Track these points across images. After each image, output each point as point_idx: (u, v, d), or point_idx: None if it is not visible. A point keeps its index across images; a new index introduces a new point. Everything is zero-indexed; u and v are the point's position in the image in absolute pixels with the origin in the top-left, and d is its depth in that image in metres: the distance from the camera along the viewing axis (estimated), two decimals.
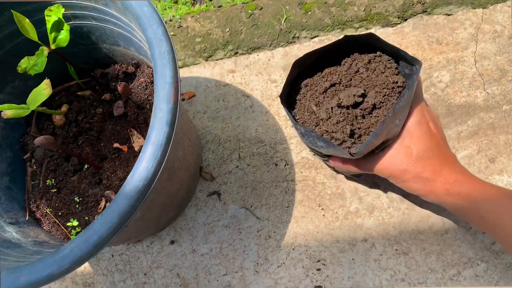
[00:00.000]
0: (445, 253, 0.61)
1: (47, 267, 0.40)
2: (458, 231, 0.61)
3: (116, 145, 0.64)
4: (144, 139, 0.63)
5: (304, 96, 0.57)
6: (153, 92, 0.64)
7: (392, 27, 0.71)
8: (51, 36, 0.56)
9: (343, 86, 0.54)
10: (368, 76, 0.53)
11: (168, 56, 0.44)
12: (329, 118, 0.53)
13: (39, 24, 0.56)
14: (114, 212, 0.40)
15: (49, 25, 0.55)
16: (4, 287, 0.39)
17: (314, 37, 0.74)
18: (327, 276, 0.63)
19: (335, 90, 0.55)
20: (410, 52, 0.69)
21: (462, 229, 0.61)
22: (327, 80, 0.55)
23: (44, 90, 0.54)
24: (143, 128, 0.64)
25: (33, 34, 0.54)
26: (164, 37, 0.44)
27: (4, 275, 0.40)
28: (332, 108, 0.53)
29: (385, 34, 0.71)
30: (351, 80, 0.54)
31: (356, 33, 0.72)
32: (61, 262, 0.40)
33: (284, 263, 0.65)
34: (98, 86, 0.68)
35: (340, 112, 0.52)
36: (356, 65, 0.54)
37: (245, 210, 0.68)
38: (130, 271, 0.69)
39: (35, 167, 0.67)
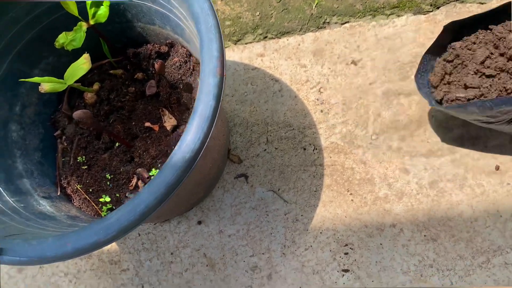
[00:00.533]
0: (475, 241, 0.61)
1: (93, 234, 0.40)
2: (488, 219, 0.61)
3: (147, 124, 0.64)
4: (176, 119, 0.63)
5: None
6: (186, 72, 0.64)
7: (424, 14, 0.71)
8: (90, 11, 0.56)
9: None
10: None
11: (214, 31, 0.44)
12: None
13: None
14: (162, 183, 0.40)
15: (89, 1, 0.56)
16: (52, 253, 0.40)
17: (345, 22, 0.74)
18: (355, 260, 0.64)
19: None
20: None
21: (492, 217, 0.61)
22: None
23: (83, 64, 0.54)
24: (175, 108, 0.64)
25: (74, 8, 0.55)
26: (210, 11, 0.45)
27: (51, 241, 0.41)
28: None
29: (417, 21, 0.71)
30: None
31: (387, 20, 0.72)
32: (108, 230, 0.40)
33: (311, 246, 0.65)
34: (130, 66, 0.68)
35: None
36: None
37: (272, 193, 0.68)
38: (156, 250, 0.70)
39: (65, 144, 0.68)
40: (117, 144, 0.65)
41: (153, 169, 0.61)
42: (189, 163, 0.40)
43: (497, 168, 0.62)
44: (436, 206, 0.63)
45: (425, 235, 0.62)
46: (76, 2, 0.55)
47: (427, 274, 0.61)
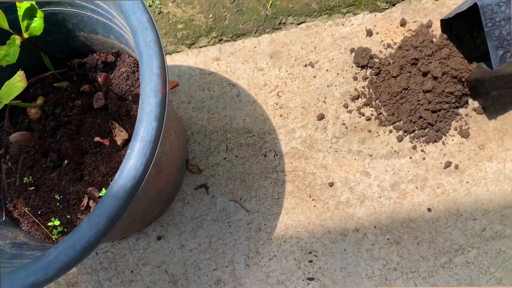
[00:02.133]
0: (437, 241, 0.61)
1: (30, 275, 0.37)
2: (449, 218, 0.61)
3: (97, 139, 0.61)
4: (127, 132, 0.60)
5: None
6: (135, 83, 0.61)
7: (380, 12, 0.70)
8: (23, 24, 0.52)
9: None
10: None
11: (154, 45, 0.41)
12: None
13: (10, 10, 0.52)
14: (102, 214, 0.37)
15: (20, 12, 0.51)
16: None
17: (301, 23, 0.72)
18: (319, 267, 0.63)
19: None
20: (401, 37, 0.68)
21: (453, 216, 0.61)
22: None
23: (18, 82, 0.50)
24: (125, 120, 0.61)
25: (3, 22, 0.50)
26: (149, 24, 0.41)
27: None
28: None
29: (374, 19, 0.70)
30: None
31: (344, 19, 0.70)
32: (46, 269, 0.37)
33: (275, 255, 0.64)
34: (76, 77, 0.64)
35: None
36: None
37: (234, 203, 0.66)
38: (116, 269, 0.67)
39: (10, 164, 0.63)
40: (65, 162, 0.61)
41: (103, 189, 0.57)
42: (131, 192, 0.38)
43: (456, 167, 0.62)
44: (399, 208, 0.63)
45: (388, 238, 0.62)
46: (6, 14, 0.50)
47: (392, 278, 0.61)
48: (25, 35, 0.52)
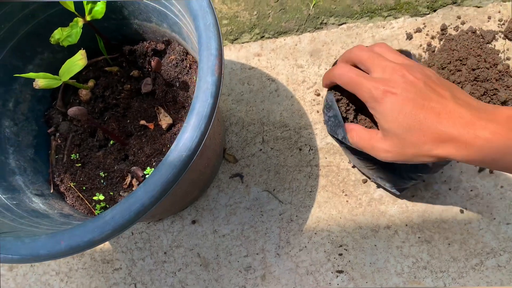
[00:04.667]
0: (468, 243, 0.61)
1: (88, 233, 0.40)
2: (481, 221, 0.62)
3: (142, 122, 0.64)
4: (171, 117, 0.63)
5: None
6: (183, 70, 0.64)
7: (421, 16, 0.71)
8: (87, 7, 0.55)
9: None
10: None
11: (213, 29, 0.43)
12: None
13: None
14: (157, 181, 0.40)
15: None
16: (45, 251, 0.39)
17: (342, 23, 0.74)
18: (349, 261, 0.64)
19: None
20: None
21: (485, 220, 0.61)
22: None
23: (79, 60, 0.54)
24: (170, 106, 0.64)
25: (70, 4, 0.54)
26: (209, 9, 0.44)
27: (44, 239, 0.40)
28: None
29: (414, 23, 0.71)
30: None
31: (385, 22, 0.72)
32: (103, 228, 0.40)
33: (306, 246, 0.65)
34: (126, 63, 0.67)
35: None
36: None
37: (267, 193, 0.68)
38: (150, 249, 0.69)
39: (59, 141, 0.67)
40: (111, 142, 0.64)
41: (148, 168, 0.60)
42: (185, 162, 0.40)
43: (491, 171, 0.63)
44: (431, 208, 0.63)
45: (419, 237, 0.63)
46: None
47: (421, 276, 0.61)
48: (88, 18, 0.56)
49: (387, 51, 0.49)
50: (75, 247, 0.39)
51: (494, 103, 0.63)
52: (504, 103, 0.63)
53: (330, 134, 0.56)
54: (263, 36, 0.76)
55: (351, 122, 0.57)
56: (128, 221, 0.40)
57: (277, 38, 0.76)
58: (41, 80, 0.54)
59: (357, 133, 0.50)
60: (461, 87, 0.64)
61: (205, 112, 0.41)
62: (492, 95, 0.63)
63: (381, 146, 0.46)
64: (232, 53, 0.77)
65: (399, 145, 0.44)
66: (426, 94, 0.43)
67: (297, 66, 0.73)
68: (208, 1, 0.45)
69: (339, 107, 0.55)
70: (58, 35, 0.56)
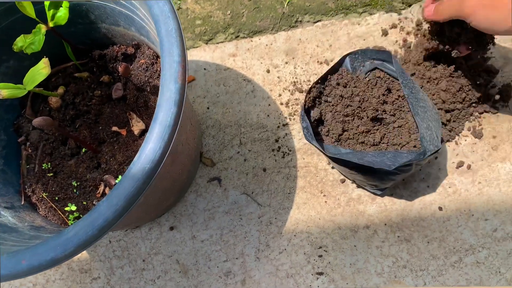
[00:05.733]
0: (447, 240, 0.61)
1: (50, 251, 0.38)
2: (460, 218, 0.61)
3: (114, 128, 0.62)
4: (144, 122, 0.61)
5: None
6: (153, 74, 0.62)
7: (396, 12, 0.70)
8: (49, 13, 0.53)
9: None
10: None
11: (175, 34, 0.42)
12: None
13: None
14: (121, 195, 0.38)
15: (47, 2, 0.53)
16: (5, 271, 0.38)
17: (317, 21, 0.73)
18: (329, 262, 0.63)
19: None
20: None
21: (464, 216, 0.61)
22: None
23: (42, 69, 0.52)
24: (142, 111, 0.62)
25: (30, 11, 0.52)
26: (171, 14, 0.43)
27: (5, 258, 0.39)
28: None
29: (389, 19, 0.70)
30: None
31: (360, 18, 0.71)
32: (65, 246, 0.38)
33: (285, 249, 0.64)
34: (96, 68, 0.66)
35: None
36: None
37: (246, 196, 0.67)
38: (128, 257, 0.68)
39: (30, 151, 0.65)
40: (83, 150, 0.63)
41: (120, 176, 0.59)
42: (149, 175, 0.39)
43: (469, 167, 0.62)
44: (410, 206, 0.63)
45: (398, 236, 0.62)
46: (33, 3, 0.52)
47: (401, 275, 0.61)
48: (50, 24, 0.54)
49: None
50: (37, 267, 0.38)
51: (470, 99, 0.62)
52: (479, 98, 0.62)
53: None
54: (238, 36, 0.75)
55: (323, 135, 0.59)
56: (92, 237, 0.38)
57: (252, 37, 0.74)
58: (4, 91, 0.52)
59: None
60: (437, 83, 0.63)
61: (169, 121, 0.40)
62: (467, 91, 0.62)
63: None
64: (206, 53, 0.75)
65: None
66: None
67: (272, 66, 0.72)
68: (170, 6, 0.44)
69: (310, 120, 0.56)
70: (21, 42, 0.54)
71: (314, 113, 0.59)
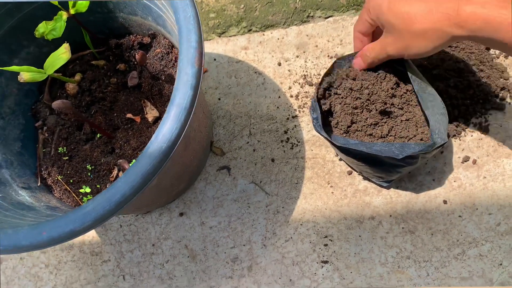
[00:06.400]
0: (451, 233, 0.62)
1: (69, 223, 0.40)
2: (464, 212, 0.62)
3: (129, 115, 0.64)
4: (158, 110, 0.63)
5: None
6: (169, 63, 0.64)
7: None
8: (70, 2, 0.56)
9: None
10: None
11: (193, 21, 0.44)
12: None
13: None
14: (138, 172, 0.40)
15: None
16: (27, 241, 0.40)
17: (329, 17, 0.74)
18: (334, 251, 0.64)
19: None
20: None
21: (468, 210, 0.62)
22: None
23: (63, 54, 0.54)
24: (157, 99, 0.64)
25: None
26: (190, 2, 0.45)
27: (27, 230, 0.41)
28: None
29: None
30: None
31: None
32: (84, 219, 0.40)
33: (291, 237, 0.66)
34: (112, 57, 0.68)
35: None
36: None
37: (254, 185, 0.69)
38: (138, 241, 0.70)
39: (46, 135, 0.67)
40: (98, 135, 0.65)
41: (134, 160, 0.61)
42: (165, 154, 0.41)
43: (474, 162, 0.64)
44: (415, 198, 0.64)
45: (403, 227, 0.63)
46: None
47: (404, 266, 0.62)
48: (72, 11, 0.56)
49: None
50: (56, 238, 0.40)
51: (478, 95, 0.63)
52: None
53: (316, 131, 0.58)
54: (250, 30, 0.77)
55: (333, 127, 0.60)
56: (109, 212, 0.40)
57: (264, 31, 0.76)
58: (26, 74, 0.54)
59: (367, 49, 0.55)
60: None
61: (185, 103, 0.42)
62: (475, 87, 0.63)
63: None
64: (219, 46, 0.77)
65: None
66: None
67: (284, 59, 0.74)
68: None
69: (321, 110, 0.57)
70: (43, 28, 0.57)
71: (324, 105, 0.60)
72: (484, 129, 0.64)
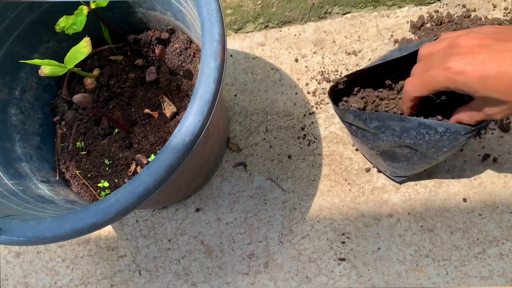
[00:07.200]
0: (471, 231, 0.61)
1: (92, 216, 0.40)
2: (484, 210, 0.62)
3: (147, 110, 0.64)
4: (175, 106, 0.63)
5: None
6: (187, 59, 0.64)
7: (426, 5, 0.71)
8: None
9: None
10: None
11: (216, 14, 0.44)
12: None
13: None
14: (161, 165, 0.40)
15: None
16: (50, 233, 0.40)
17: (346, 13, 0.74)
18: (351, 249, 0.64)
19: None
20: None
21: (488, 208, 0.61)
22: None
23: (83, 48, 0.54)
24: (174, 95, 0.64)
25: None
26: None
27: (50, 221, 0.41)
28: None
29: (419, 12, 0.71)
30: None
31: (389, 11, 0.72)
32: (106, 211, 0.40)
33: (308, 234, 0.66)
34: (131, 52, 0.68)
35: None
36: None
37: (270, 182, 0.69)
38: (154, 237, 0.70)
39: (64, 129, 0.68)
40: (116, 130, 0.65)
41: (152, 155, 0.61)
42: (189, 146, 0.41)
43: (495, 160, 0.63)
44: (434, 196, 0.63)
45: (421, 226, 0.63)
46: None
47: (423, 264, 0.62)
48: (92, 6, 0.56)
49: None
50: (79, 230, 0.40)
51: None
52: None
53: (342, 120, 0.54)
54: (267, 26, 0.76)
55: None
56: (131, 204, 0.40)
57: (281, 27, 0.76)
58: (46, 68, 0.54)
59: (463, 119, 0.45)
60: None
61: (208, 97, 0.41)
62: None
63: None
64: (236, 42, 0.77)
65: None
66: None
67: (301, 55, 0.73)
68: None
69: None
70: (63, 23, 0.57)
71: (350, 100, 0.58)
72: (505, 127, 0.63)
